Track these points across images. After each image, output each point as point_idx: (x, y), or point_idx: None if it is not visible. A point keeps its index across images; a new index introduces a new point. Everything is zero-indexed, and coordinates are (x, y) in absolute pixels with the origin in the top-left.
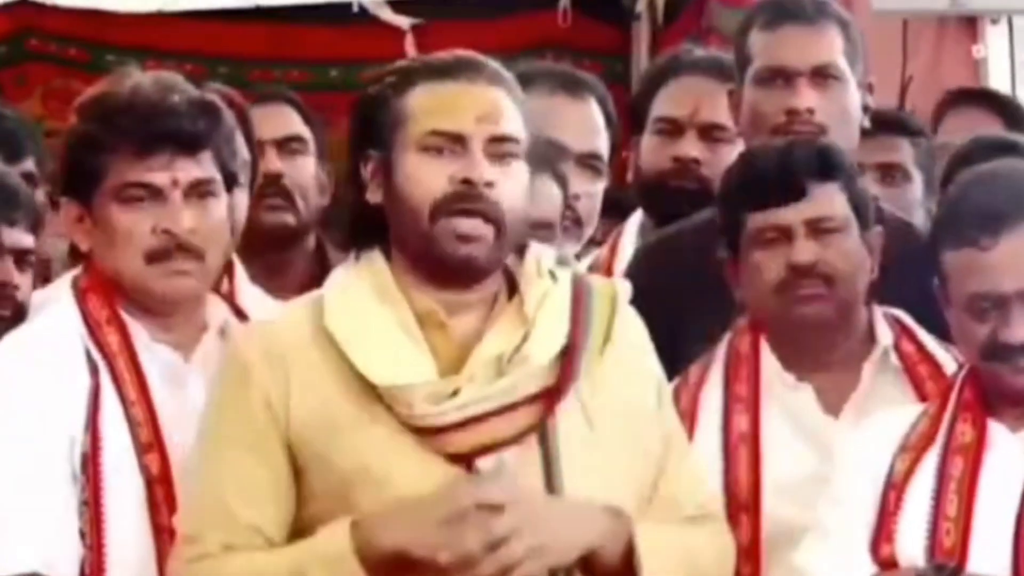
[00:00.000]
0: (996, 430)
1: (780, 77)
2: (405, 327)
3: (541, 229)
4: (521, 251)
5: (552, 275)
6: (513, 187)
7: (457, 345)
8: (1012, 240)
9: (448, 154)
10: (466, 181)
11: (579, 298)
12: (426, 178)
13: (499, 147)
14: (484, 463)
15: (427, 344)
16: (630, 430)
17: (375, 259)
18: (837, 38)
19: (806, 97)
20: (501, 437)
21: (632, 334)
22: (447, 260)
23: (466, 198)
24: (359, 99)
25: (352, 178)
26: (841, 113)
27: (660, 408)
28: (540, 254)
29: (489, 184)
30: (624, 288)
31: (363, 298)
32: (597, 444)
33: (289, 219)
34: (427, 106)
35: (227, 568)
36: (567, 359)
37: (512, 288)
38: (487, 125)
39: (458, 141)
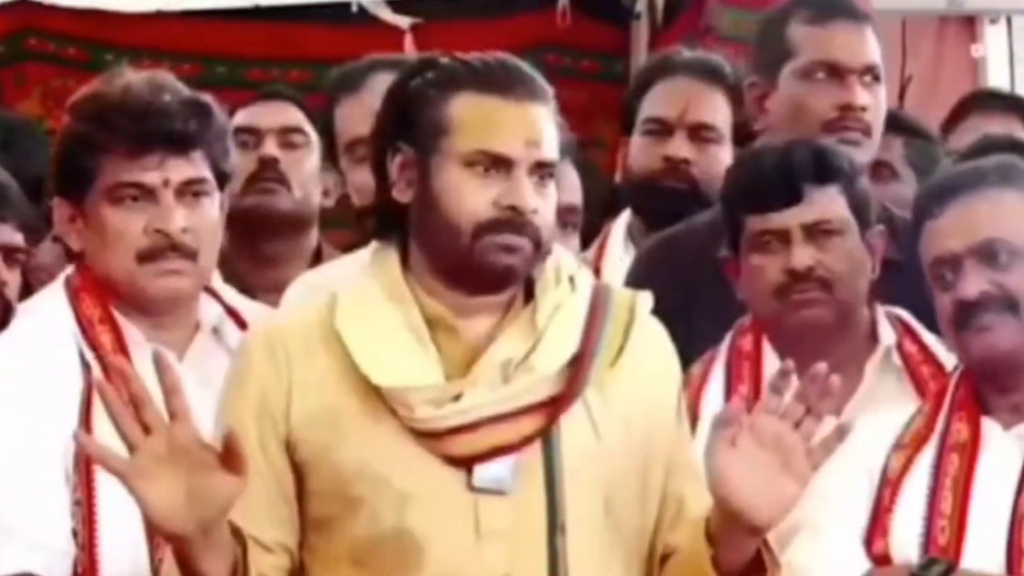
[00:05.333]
0: (990, 428)
1: (830, 73)
2: (414, 329)
3: (570, 214)
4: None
5: (571, 281)
6: (549, 208)
7: (467, 348)
8: (958, 205)
9: (493, 175)
10: (512, 208)
11: (596, 307)
12: (470, 197)
13: (541, 171)
14: (482, 468)
15: (435, 347)
16: (638, 443)
17: (389, 259)
18: (875, 39)
19: (861, 95)
20: (502, 443)
21: (652, 346)
22: (487, 271)
23: (513, 224)
24: (393, 87)
25: (376, 167)
26: (881, 113)
27: (680, 424)
28: (560, 260)
29: (535, 211)
30: (645, 299)
31: (374, 299)
32: (602, 454)
33: (282, 203)
34: (475, 120)
35: None
36: (576, 368)
37: (529, 292)
38: (534, 150)
39: (504, 164)
